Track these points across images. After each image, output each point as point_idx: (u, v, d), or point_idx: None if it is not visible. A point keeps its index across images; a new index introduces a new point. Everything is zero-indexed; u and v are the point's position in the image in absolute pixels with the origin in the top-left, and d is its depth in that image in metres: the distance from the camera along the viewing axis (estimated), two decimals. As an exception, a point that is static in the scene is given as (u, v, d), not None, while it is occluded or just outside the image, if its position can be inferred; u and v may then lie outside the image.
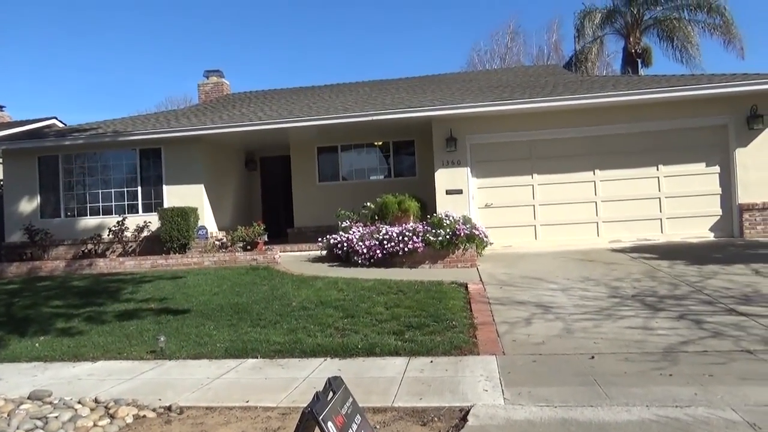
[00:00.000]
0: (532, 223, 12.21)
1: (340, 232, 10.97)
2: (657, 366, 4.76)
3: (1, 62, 60.28)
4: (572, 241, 11.75)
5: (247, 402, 4.45)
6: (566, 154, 12.09)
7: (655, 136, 11.85)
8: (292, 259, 11.52)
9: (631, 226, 11.86)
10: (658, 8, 24.02)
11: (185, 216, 12.42)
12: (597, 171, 12.03)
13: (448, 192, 12.23)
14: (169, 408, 4.37)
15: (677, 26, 23.14)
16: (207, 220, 13.37)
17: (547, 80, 15.16)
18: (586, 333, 5.86)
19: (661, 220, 11.84)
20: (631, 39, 24.32)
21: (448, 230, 9.98)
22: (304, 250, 12.24)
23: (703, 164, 11.73)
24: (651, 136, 11.86)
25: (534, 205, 12.22)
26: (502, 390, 4.38)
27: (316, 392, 2.93)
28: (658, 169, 11.87)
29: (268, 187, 16.75)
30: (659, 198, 11.85)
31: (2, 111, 21.72)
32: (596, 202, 12.03)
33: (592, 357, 5.09)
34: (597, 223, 12.02)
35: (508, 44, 37.18)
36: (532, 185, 12.24)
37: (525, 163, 12.24)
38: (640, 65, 24.38)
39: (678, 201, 11.75)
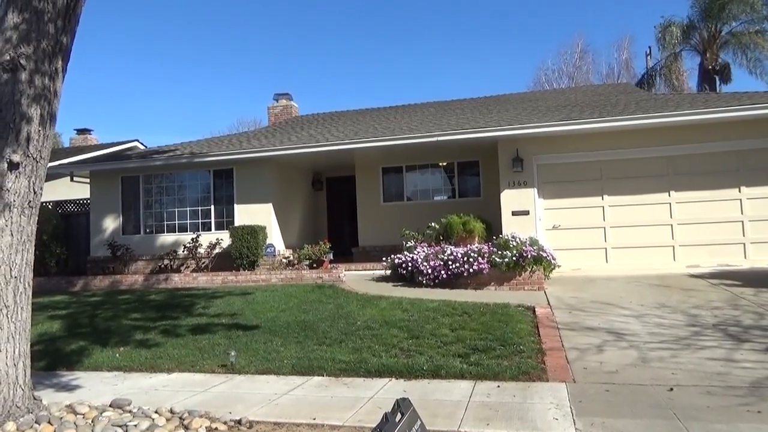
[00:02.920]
0: (603, 246, 11.79)
1: (405, 252, 10.99)
2: (743, 401, 4.46)
3: (88, 89, 64.89)
4: (646, 265, 11.24)
5: (314, 419, 4.50)
6: (639, 174, 11.64)
7: (737, 156, 11.22)
8: (357, 277, 11.64)
9: (711, 250, 11.21)
10: (735, 23, 22.92)
11: (254, 234, 12.83)
12: (672, 192, 11.50)
13: (515, 213, 12.02)
14: (239, 422, 4.49)
15: (758, 41, 21.95)
16: (275, 238, 13.74)
17: (618, 99, 14.72)
18: (663, 363, 5.57)
19: (744, 244, 11.14)
20: (707, 55, 23.31)
21: (514, 252, 9.80)
22: (369, 269, 12.33)
23: (792, 186, 11.01)
24: (732, 156, 11.24)
25: (604, 227, 11.81)
26: (573, 419, 4.23)
27: (385, 413, 2.93)
28: (740, 191, 11.21)
29: (334, 207, 17.06)
30: (742, 221, 11.17)
31: (90, 134, 23.36)
32: (672, 225, 11.48)
33: (671, 389, 4.83)
34: (673, 246, 11.45)
35: (577, 63, 36.55)
36: (603, 207, 11.84)
37: (595, 183, 11.87)
38: (718, 82, 23.27)
39: (764, 225, 11.02)
